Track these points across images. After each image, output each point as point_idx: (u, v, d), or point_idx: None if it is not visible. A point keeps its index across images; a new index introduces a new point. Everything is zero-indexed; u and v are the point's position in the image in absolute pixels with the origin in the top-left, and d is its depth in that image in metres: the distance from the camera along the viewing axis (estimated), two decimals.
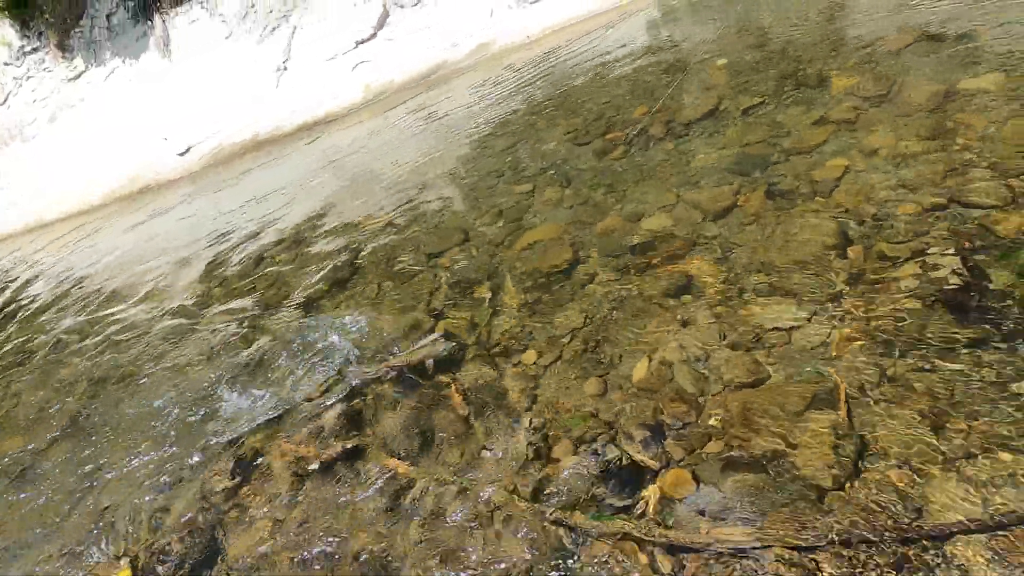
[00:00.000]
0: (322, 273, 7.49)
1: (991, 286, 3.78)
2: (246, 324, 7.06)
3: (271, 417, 5.34)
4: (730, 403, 3.85)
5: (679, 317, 4.66)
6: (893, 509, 3.03)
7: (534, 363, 4.89)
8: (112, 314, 9.04)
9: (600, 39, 11.51)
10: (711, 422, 3.82)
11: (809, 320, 4.14)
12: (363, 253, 7.67)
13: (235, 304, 7.76)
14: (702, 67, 8.49)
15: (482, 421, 4.54)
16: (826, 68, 6.90)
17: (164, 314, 8.31)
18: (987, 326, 3.61)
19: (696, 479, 3.54)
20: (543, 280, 5.75)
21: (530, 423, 4.32)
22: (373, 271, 7.13)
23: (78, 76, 17.29)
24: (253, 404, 5.59)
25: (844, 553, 2.94)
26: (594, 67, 10.38)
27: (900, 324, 3.83)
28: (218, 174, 14.53)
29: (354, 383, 5.32)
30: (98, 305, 9.67)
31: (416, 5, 13.73)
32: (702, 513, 3.36)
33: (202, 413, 5.76)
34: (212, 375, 6.26)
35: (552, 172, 7.60)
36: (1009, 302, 3.66)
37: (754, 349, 4.15)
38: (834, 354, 3.88)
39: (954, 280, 3.87)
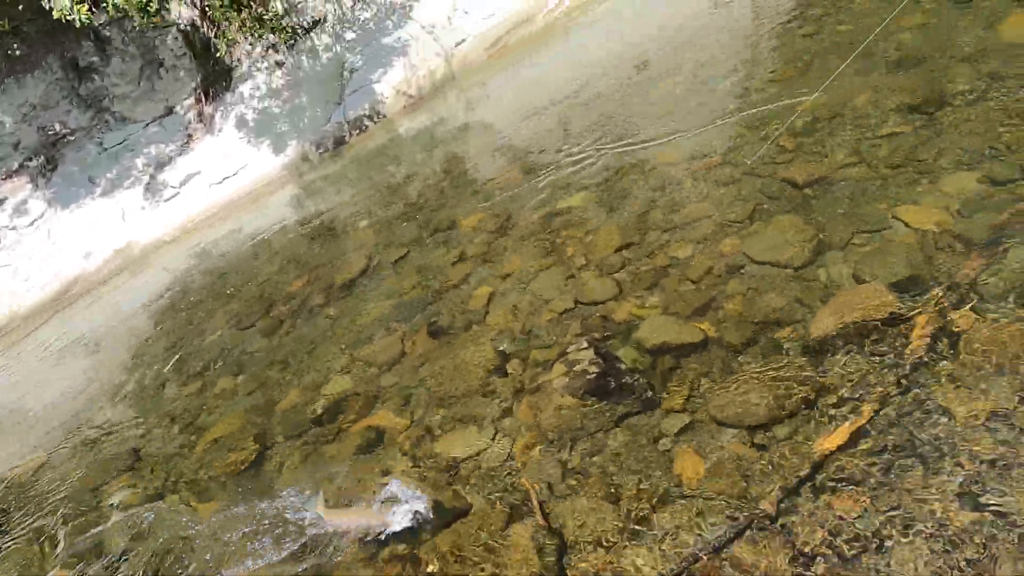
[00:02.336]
0: None
1: (623, 367, 4.39)
2: None
3: None
4: (441, 544, 3.87)
5: (377, 471, 4.63)
6: None
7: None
8: None
9: (246, 223, 11.52)
10: (429, 570, 3.80)
11: (492, 439, 4.40)
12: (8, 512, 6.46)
13: None
14: (349, 231, 8.92)
15: None
16: (454, 212, 7.69)
17: None
18: (628, 400, 4.16)
19: None
20: (229, 482, 5.35)
21: None
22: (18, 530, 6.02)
23: None
24: None
25: None
26: (246, 249, 10.32)
27: (564, 420, 4.25)
28: None
29: None
30: None
31: (31, 225, 12.54)
32: None
33: None
34: None
35: (221, 363, 7.25)
36: (638, 376, 4.28)
37: (453, 483, 4.27)
38: (520, 464, 4.14)
39: (593, 369, 4.43)
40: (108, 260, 12.39)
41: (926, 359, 3.42)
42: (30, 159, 12.90)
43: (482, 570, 3.60)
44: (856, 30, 6.55)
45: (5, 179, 12.77)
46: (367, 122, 12.17)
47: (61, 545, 5.68)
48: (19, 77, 12.53)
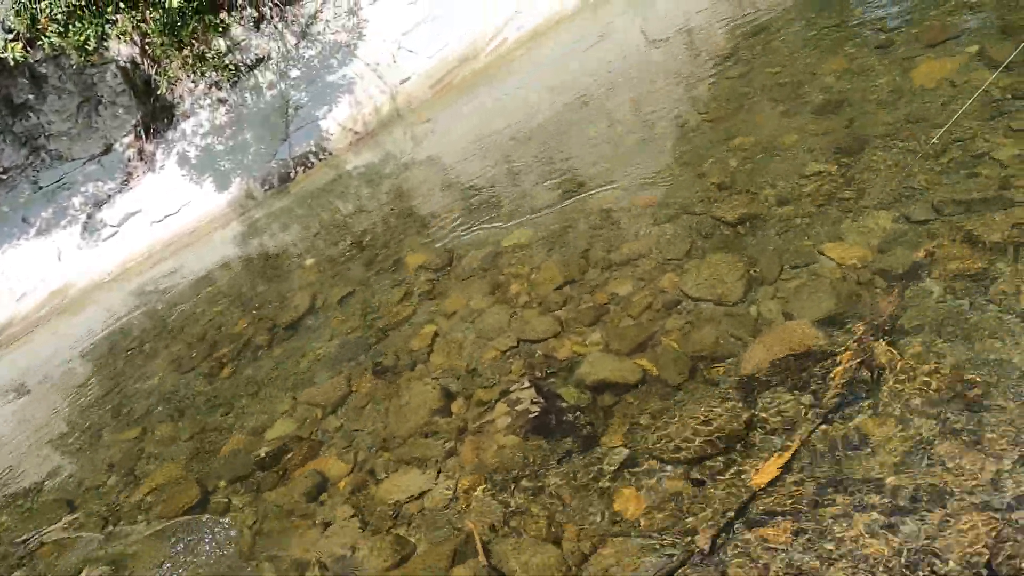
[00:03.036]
0: None
1: (564, 404, 4.46)
2: None
3: None
4: None
5: (319, 521, 4.58)
6: None
7: None
8: None
9: (189, 262, 11.34)
10: None
11: (436, 481, 4.40)
12: None
13: None
14: (294, 269, 8.86)
15: None
16: (399, 250, 7.71)
17: None
18: (570, 439, 4.22)
19: None
20: (172, 529, 5.21)
21: None
22: None
23: None
24: None
25: None
26: (188, 289, 10.13)
27: (506, 459, 4.28)
28: None
29: None
30: None
31: None
32: None
33: None
34: None
35: (161, 407, 7.09)
36: (579, 413, 4.35)
37: (395, 527, 4.26)
38: (464, 505, 4.15)
39: (535, 408, 4.48)
40: (43, 302, 12.02)
41: (849, 393, 3.57)
42: None
43: None
44: (783, 72, 6.86)
45: None
46: (313, 159, 12.15)
47: None
48: None
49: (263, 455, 5.54)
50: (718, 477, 3.54)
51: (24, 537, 5.98)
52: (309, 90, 12.41)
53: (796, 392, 3.75)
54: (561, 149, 8.01)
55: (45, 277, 12.10)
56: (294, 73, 12.57)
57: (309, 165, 12.13)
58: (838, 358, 3.78)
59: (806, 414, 3.60)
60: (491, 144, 9.40)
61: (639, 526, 3.51)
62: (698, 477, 3.60)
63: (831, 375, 3.71)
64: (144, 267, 11.96)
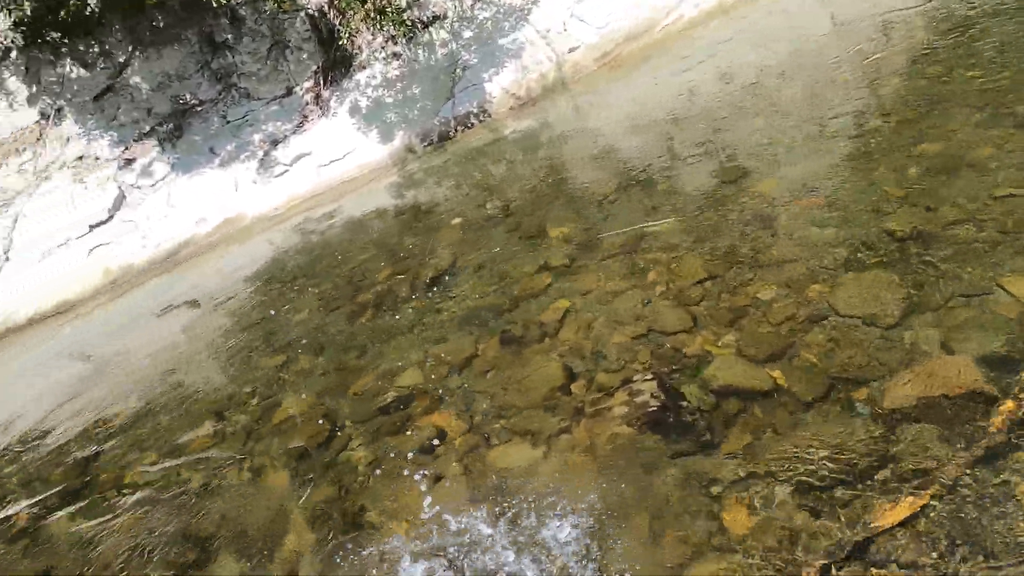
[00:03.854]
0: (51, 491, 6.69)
1: (685, 404, 4.33)
2: None
3: None
4: None
5: (431, 474, 4.74)
6: None
7: (295, 550, 4.67)
8: None
9: (347, 207, 11.96)
10: None
11: (544, 458, 4.43)
12: (102, 455, 6.99)
13: None
14: (441, 226, 9.13)
15: None
16: (544, 220, 7.74)
17: None
18: (687, 440, 4.09)
19: None
20: (302, 454, 5.60)
21: None
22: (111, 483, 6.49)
23: None
24: None
25: None
26: (342, 234, 10.72)
27: (618, 449, 4.22)
28: None
29: None
30: None
31: (154, 186, 13.43)
32: None
33: None
34: None
35: (305, 341, 7.57)
36: (700, 416, 4.21)
37: (500, 495, 4.32)
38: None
39: (655, 402, 4.38)
40: (217, 228, 13.13)
41: (1006, 446, 3.21)
42: (160, 124, 13.81)
43: None
44: (987, 77, 6.17)
45: (136, 141, 13.72)
46: (473, 119, 12.38)
47: (142, 482, 6.15)
48: (159, 48, 13.42)
49: (389, 400, 5.79)
50: (839, 509, 3.32)
51: (177, 440, 6.63)
52: (479, 52, 12.61)
53: (944, 433, 3.42)
54: (724, 137, 7.68)
55: (223, 205, 13.19)
56: (466, 34, 12.81)
57: (469, 125, 12.38)
58: (999, 405, 3.40)
59: (951, 459, 3.28)
60: (652, 124, 9.17)
61: (745, 544, 3.36)
62: (817, 505, 3.39)
63: (988, 422, 3.35)
64: (306, 207, 12.75)
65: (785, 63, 8.96)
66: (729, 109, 8.36)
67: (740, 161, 6.93)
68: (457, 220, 9.00)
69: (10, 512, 6.67)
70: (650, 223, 6.55)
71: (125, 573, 5.06)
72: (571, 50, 12.08)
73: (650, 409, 4.34)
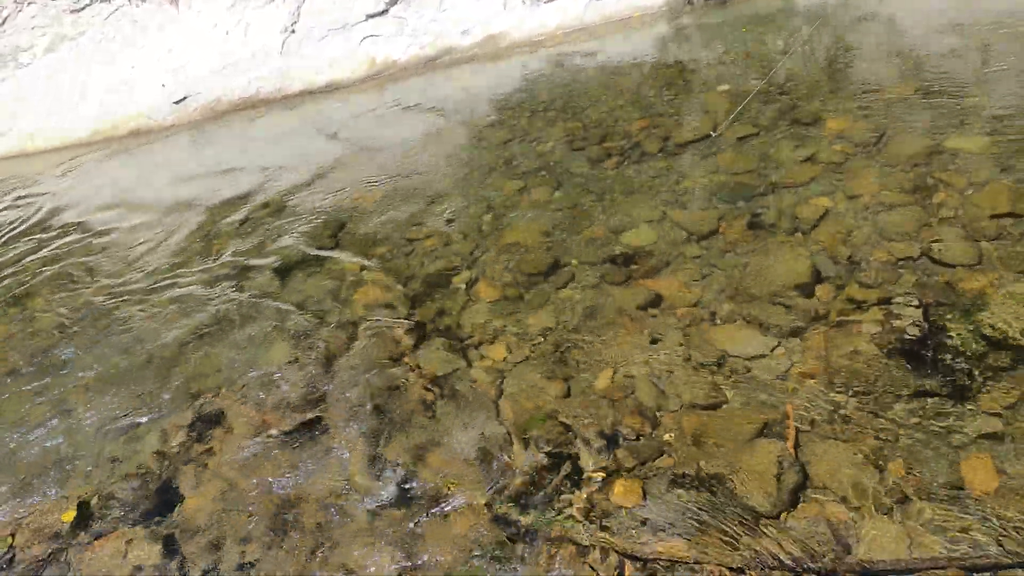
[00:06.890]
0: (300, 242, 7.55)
1: (948, 342, 3.93)
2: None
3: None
4: (685, 422, 3.98)
5: (649, 333, 4.77)
6: (824, 543, 3.17)
7: (503, 359, 4.99)
8: None
9: (609, 48, 11.59)
10: (665, 438, 3.95)
11: (772, 351, 4.28)
12: (349, 224, 7.73)
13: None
14: (705, 90, 8.61)
15: (444, 409, 4.63)
16: (822, 108, 7.04)
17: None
18: (938, 380, 3.76)
19: (644, 491, 3.66)
20: (523, 279, 5.84)
21: (492, 416, 4.42)
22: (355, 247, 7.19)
23: (81, 9, 17.00)
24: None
25: None
26: (599, 74, 10.46)
27: (856, 366, 3.97)
28: (217, 126, 14.44)
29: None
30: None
31: None
32: (644, 523, 3.48)
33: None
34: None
35: (544, 173, 7.67)
36: (961, 359, 3.82)
37: (716, 373, 4.28)
38: (791, 387, 4.01)
39: (913, 331, 4.02)
40: (479, 43, 13.30)
41: None
42: None
43: (717, 462, 3.67)
44: None
45: None
46: None
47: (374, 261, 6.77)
48: None
49: (617, 252, 5.80)
50: None
51: (410, 236, 7.14)
52: None
53: None
54: None
55: (489, 20, 13.26)
56: None
57: None
58: None
59: None
60: (973, 22, 7.82)
61: (981, 504, 3.11)
62: None
63: None
64: (569, 40, 12.50)
65: None
66: None
67: None
68: (725, 87, 8.43)
69: None
70: (955, 135, 5.74)
71: None
72: None
73: (906, 336, 4.00)
